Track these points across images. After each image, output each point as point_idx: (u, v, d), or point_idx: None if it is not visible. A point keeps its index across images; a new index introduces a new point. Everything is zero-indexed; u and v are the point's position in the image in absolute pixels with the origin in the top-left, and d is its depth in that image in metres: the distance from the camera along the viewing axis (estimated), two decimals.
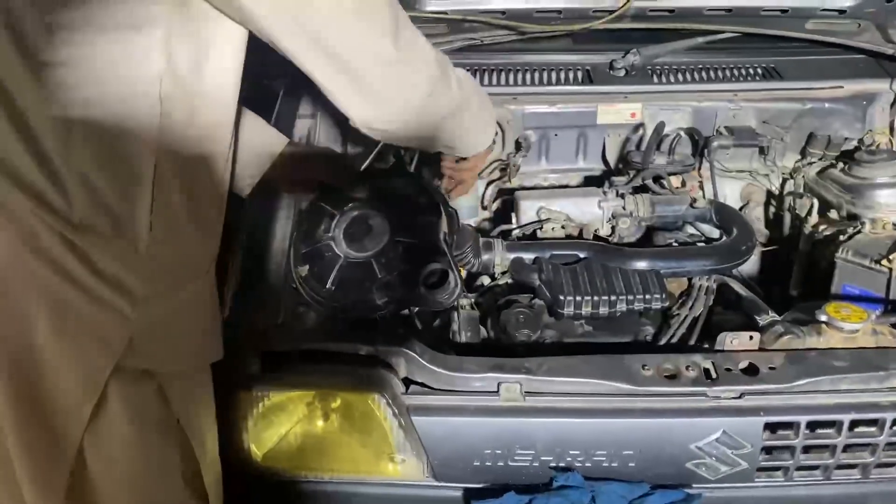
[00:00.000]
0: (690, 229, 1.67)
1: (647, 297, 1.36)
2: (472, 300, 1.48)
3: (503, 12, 1.77)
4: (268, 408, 1.25)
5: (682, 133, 1.73)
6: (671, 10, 1.78)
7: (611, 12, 1.74)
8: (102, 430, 1.06)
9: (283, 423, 1.27)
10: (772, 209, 1.81)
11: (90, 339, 1.03)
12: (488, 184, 1.80)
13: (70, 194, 0.99)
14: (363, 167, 1.55)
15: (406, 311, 1.37)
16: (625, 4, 1.68)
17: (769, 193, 1.81)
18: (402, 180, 1.45)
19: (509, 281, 1.51)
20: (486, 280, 1.57)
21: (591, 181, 1.81)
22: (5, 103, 0.98)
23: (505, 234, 1.59)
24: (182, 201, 1.09)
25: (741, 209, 1.78)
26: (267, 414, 1.25)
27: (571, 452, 1.23)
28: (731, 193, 1.80)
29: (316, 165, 1.48)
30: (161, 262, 1.07)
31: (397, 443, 1.24)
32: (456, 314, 1.43)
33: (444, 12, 1.75)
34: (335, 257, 1.34)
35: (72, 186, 0.99)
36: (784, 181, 1.80)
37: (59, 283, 1.00)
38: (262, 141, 1.40)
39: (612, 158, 1.80)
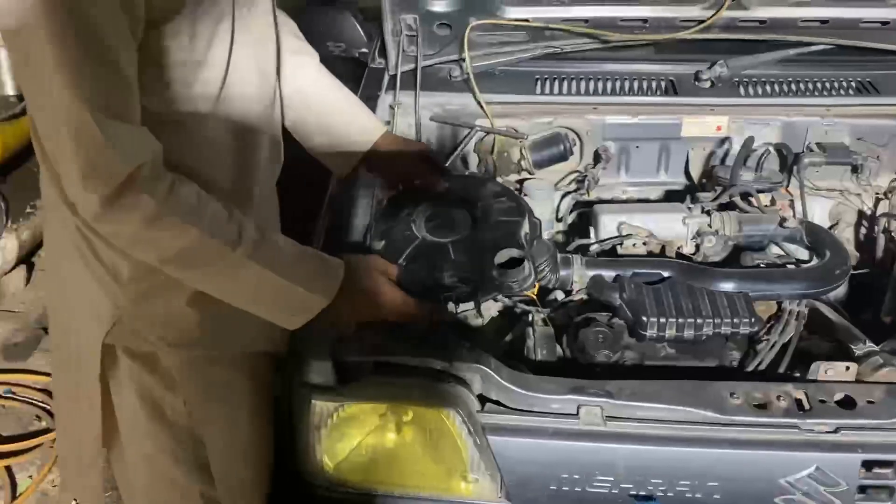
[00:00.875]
0: (775, 249, 1.60)
1: (735, 321, 1.30)
2: (545, 315, 1.45)
3: (586, 20, 1.72)
4: (341, 419, 1.23)
5: (771, 148, 1.66)
6: (763, 21, 1.71)
7: (699, 22, 1.67)
8: (116, 394, 1.23)
9: (355, 434, 1.25)
10: (863, 230, 1.73)
11: (89, 310, 1.21)
12: (564, 195, 1.75)
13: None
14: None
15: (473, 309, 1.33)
16: (715, 14, 1.62)
17: (860, 213, 1.72)
18: (489, 184, 1.42)
19: (584, 297, 1.47)
20: (559, 295, 1.52)
21: (672, 196, 1.75)
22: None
23: (582, 249, 1.54)
24: None
25: (830, 229, 1.70)
26: (340, 425, 1.23)
27: (653, 481, 1.17)
28: (820, 213, 1.72)
29: (409, 161, 1.46)
30: None
31: (471, 461, 1.21)
32: (531, 330, 1.39)
33: (526, 20, 1.71)
34: (412, 237, 1.37)
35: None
36: (878, 201, 1.71)
37: (78, 258, 1.18)
38: (360, 127, 1.44)
39: (695, 173, 1.74)
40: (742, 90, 1.73)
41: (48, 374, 2.64)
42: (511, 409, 1.20)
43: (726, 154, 1.71)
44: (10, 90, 2.79)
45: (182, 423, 1.24)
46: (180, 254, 1.07)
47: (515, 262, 1.31)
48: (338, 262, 1.19)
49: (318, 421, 1.23)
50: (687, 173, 1.76)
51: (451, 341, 1.27)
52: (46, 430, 2.40)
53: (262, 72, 1.20)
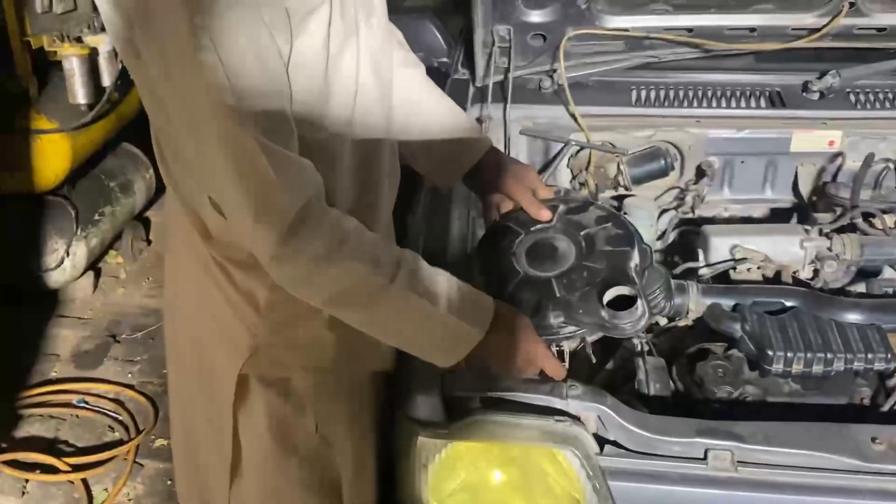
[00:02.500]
0: (888, 273, 1.49)
1: (870, 356, 1.20)
2: (645, 340, 1.37)
3: (690, 29, 1.63)
4: (448, 457, 1.17)
5: (891, 166, 1.55)
6: (882, 29, 1.60)
7: (813, 30, 1.57)
8: (246, 427, 1.20)
9: (461, 474, 1.19)
10: None
11: (224, 340, 1.18)
12: (662, 212, 1.66)
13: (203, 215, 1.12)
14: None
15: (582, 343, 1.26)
16: (831, 21, 1.52)
17: None
18: (594, 210, 1.34)
19: (689, 323, 1.39)
20: (661, 320, 1.44)
21: (779, 214, 1.65)
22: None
23: (689, 273, 1.46)
24: None
25: None
26: (447, 463, 1.17)
27: None
28: None
29: (514, 182, 1.36)
30: None
31: None
32: (641, 361, 1.31)
33: (626, 29, 1.63)
34: (514, 272, 1.27)
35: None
36: None
37: (212, 288, 1.16)
38: (467, 142, 1.35)
39: (804, 190, 1.64)
40: (855, 102, 1.63)
41: (120, 384, 2.64)
42: (631, 451, 1.13)
43: (838, 170, 1.61)
44: (81, 98, 2.78)
45: (313, 451, 1.21)
46: (345, 292, 1.03)
47: (627, 301, 1.20)
48: (486, 296, 1.14)
49: (424, 458, 1.16)
50: (795, 191, 1.66)
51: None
52: (120, 442, 2.40)
53: (382, 83, 1.15)
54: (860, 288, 1.44)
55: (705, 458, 1.10)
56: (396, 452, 1.19)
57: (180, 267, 1.25)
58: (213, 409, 1.21)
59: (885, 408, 1.22)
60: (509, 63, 1.66)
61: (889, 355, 1.21)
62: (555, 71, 1.71)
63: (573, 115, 1.64)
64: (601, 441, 1.14)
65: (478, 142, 1.36)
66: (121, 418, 2.49)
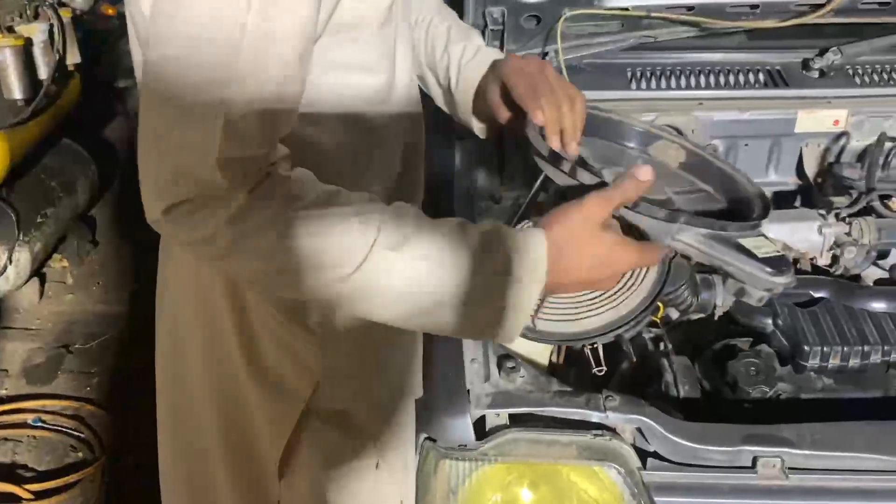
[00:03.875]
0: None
1: None
2: (655, 335, 1.30)
3: (691, 7, 1.55)
4: (479, 480, 1.08)
5: None
6: (885, 3, 1.55)
7: (817, 5, 1.51)
8: (294, 473, 1.06)
9: (492, 497, 1.10)
10: None
11: (276, 384, 1.04)
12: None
13: None
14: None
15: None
16: None
17: None
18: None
19: (702, 315, 1.32)
20: (672, 313, 1.37)
21: (783, 197, 1.60)
22: None
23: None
24: None
25: None
26: (477, 487, 1.08)
27: None
28: None
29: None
30: None
31: None
32: (667, 361, 1.24)
33: (625, 8, 1.54)
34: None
35: None
36: None
37: (253, 328, 1.02)
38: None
39: (809, 172, 1.58)
40: (857, 79, 1.58)
41: (79, 399, 2.48)
42: (676, 463, 1.06)
43: (842, 150, 1.56)
44: (17, 93, 2.57)
45: (370, 489, 1.11)
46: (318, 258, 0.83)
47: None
48: (533, 233, 0.90)
49: (452, 483, 1.07)
50: (800, 172, 1.60)
51: (594, 385, 1.13)
52: (85, 462, 2.24)
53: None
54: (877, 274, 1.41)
55: (754, 466, 1.04)
56: (421, 478, 1.09)
57: (195, 310, 1.08)
58: (246, 467, 1.08)
59: None
60: (502, 46, 1.56)
61: None
62: (546, 54, 1.62)
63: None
64: (642, 454, 1.07)
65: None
66: (83, 436, 2.32)
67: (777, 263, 1.05)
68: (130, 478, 2.17)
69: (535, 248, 0.89)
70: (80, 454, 2.27)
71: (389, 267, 0.84)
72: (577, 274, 0.92)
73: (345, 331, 1.05)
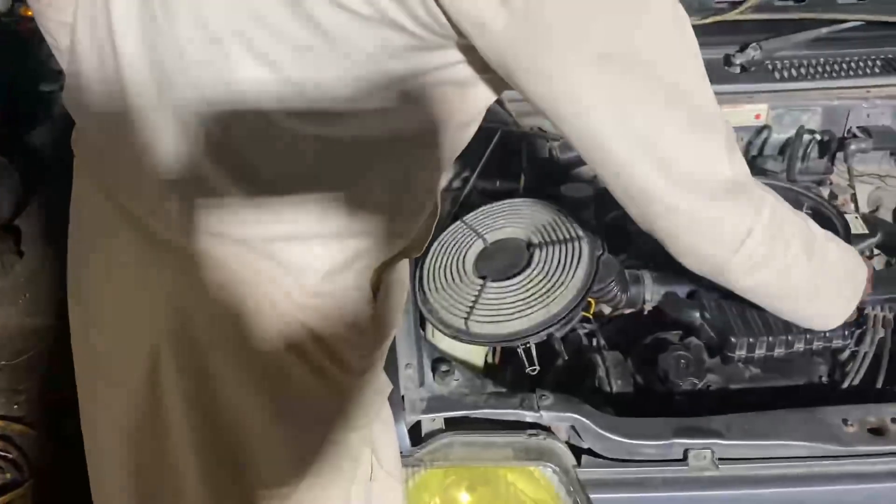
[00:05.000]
0: None
1: (828, 334, 1.19)
2: (589, 331, 1.32)
3: None
4: (416, 486, 1.07)
5: (817, 136, 1.55)
6: (799, 0, 1.60)
7: (736, 3, 1.55)
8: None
9: (430, 502, 1.10)
10: None
11: (297, 407, 0.91)
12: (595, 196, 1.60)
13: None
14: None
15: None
16: None
17: None
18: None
19: (631, 310, 1.34)
20: (605, 308, 1.39)
21: None
22: None
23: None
24: None
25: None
26: (414, 494, 1.08)
27: None
28: (860, 199, 1.63)
29: None
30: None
31: None
32: (599, 356, 1.26)
33: None
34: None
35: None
36: None
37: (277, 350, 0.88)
38: None
39: None
40: (777, 74, 1.62)
41: (6, 418, 2.38)
42: (610, 459, 1.07)
43: (764, 143, 1.61)
44: None
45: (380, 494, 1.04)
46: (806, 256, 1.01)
47: None
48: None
49: None
50: None
51: (530, 385, 1.14)
52: (15, 483, 2.15)
53: None
54: None
55: (685, 458, 1.06)
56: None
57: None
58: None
59: (845, 385, 1.21)
60: None
61: (846, 332, 1.20)
62: None
63: (500, 101, 1.55)
64: (576, 451, 1.08)
65: None
66: (10, 457, 2.23)
67: None
68: (59, 499, 2.09)
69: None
70: (8, 475, 2.18)
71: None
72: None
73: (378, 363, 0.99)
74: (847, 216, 1.42)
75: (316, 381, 0.91)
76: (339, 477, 0.96)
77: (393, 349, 1.15)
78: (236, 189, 0.84)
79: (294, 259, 0.86)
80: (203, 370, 0.89)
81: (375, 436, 1.01)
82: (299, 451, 0.93)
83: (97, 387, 1.01)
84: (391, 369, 1.12)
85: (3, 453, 2.25)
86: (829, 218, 1.33)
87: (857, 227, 1.31)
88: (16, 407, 2.45)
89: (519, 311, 1.17)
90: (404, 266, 1.04)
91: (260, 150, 0.83)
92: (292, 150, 0.83)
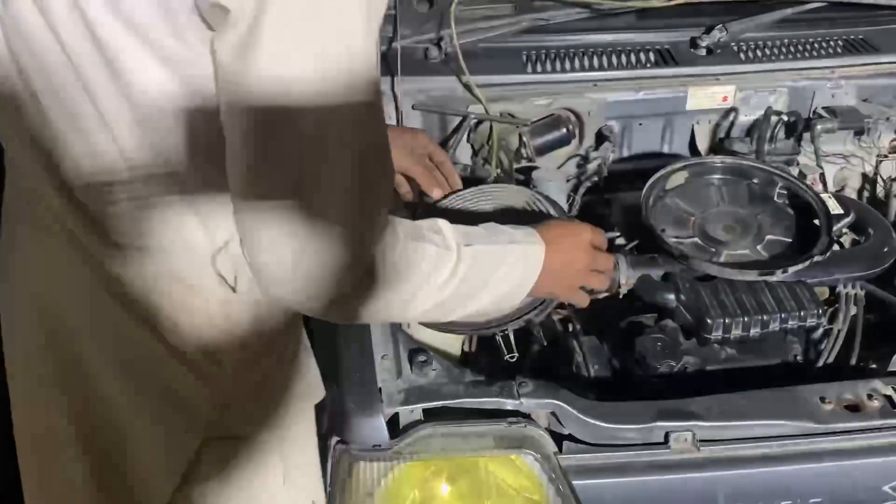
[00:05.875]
0: None
1: (802, 313, 1.19)
2: (563, 316, 1.31)
3: None
4: (396, 479, 1.05)
5: (784, 117, 1.56)
6: None
7: None
8: (194, 496, 0.96)
9: (410, 495, 1.08)
10: (866, 194, 1.67)
11: (175, 404, 0.92)
12: (572, 182, 1.59)
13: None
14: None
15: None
16: None
17: (864, 177, 1.67)
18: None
19: (606, 294, 1.33)
20: None
21: None
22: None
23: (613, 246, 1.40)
24: None
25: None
26: (394, 488, 1.05)
27: None
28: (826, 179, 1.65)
29: (405, 156, 1.27)
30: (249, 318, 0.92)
31: None
32: (576, 342, 1.25)
33: None
34: None
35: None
36: (879, 162, 1.65)
37: (142, 341, 0.89)
38: None
39: (702, 147, 1.63)
40: (743, 56, 1.63)
41: None
42: (591, 444, 1.06)
43: (732, 125, 1.61)
44: None
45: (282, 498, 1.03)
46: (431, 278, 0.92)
47: None
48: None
49: (368, 486, 1.04)
50: (692, 149, 1.64)
51: (507, 373, 1.12)
52: None
53: None
54: None
55: (666, 441, 1.05)
56: (336, 484, 1.05)
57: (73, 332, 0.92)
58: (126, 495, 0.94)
59: (820, 363, 1.22)
60: (395, 32, 1.53)
61: (819, 310, 1.20)
62: (441, 39, 1.59)
63: (468, 86, 1.53)
64: (557, 438, 1.07)
65: None
66: None
67: None
68: None
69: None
70: None
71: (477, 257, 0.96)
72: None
73: (257, 367, 0.97)
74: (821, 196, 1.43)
75: (192, 380, 0.91)
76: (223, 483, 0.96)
77: (368, 340, 1.13)
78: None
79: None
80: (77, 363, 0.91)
81: (285, 447, 1.01)
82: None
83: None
84: (366, 361, 1.10)
85: None
86: (806, 199, 1.33)
87: (832, 206, 1.31)
88: None
89: None
90: None
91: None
92: None
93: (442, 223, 0.96)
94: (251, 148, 0.74)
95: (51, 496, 0.98)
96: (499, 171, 1.50)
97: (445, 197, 1.31)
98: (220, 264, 0.87)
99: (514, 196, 1.31)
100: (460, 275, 0.93)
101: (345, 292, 0.82)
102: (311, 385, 1.05)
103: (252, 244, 0.79)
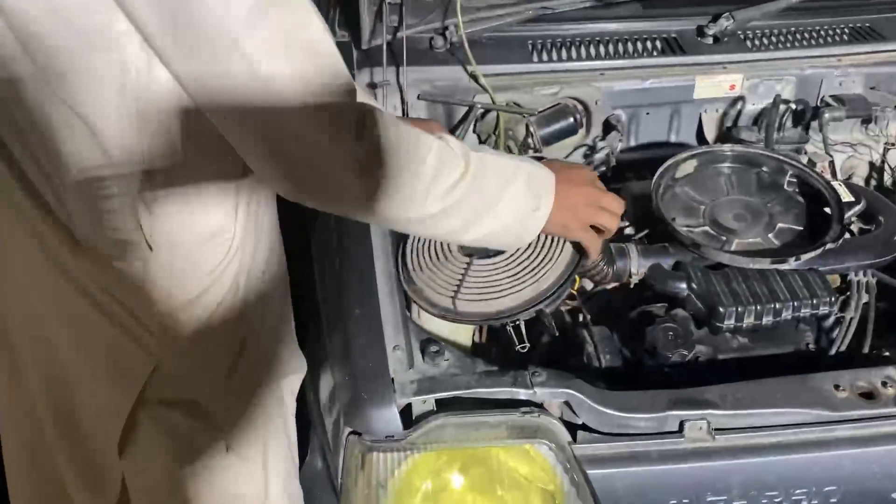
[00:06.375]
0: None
1: (815, 301, 1.19)
2: (572, 307, 1.30)
3: None
4: (409, 470, 1.04)
5: (792, 105, 1.55)
6: None
7: None
8: (139, 459, 1.04)
9: (422, 486, 1.07)
10: (873, 182, 1.66)
11: (111, 368, 1.01)
12: None
13: (70, 210, 0.94)
14: None
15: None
16: None
17: (871, 165, 1.66)
18: None
19: (615, 284, 1.33)
20: (587, 284, 1.37)
21: None
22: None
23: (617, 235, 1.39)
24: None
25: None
26: (407, 478, 1.05)
27: (768, 494, 1.06)
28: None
29: None
30: (171, 285, 0.97)
31: (567, 501, 1.05)
32: (586, 332, 1.24)
33: None
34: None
35: (71, 202, 0.93)
36: (886, 150, 1.65)
37: (75, 297, 0.98)
38: None
39: (709, 136, 1.62)
40: (750, 44, 1.62)
41: None
42: (605, 434, 1.05)
43: (739, 114, 1.60)
44: None
45: (224, 468, 1.06)
46: (440, 180, 0.96)
47: None
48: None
49: (381, 476, 1.03)
50: (700, 137, 1.63)
51: (518, 363, 1.12)
52: None
53: None
54: None
55: (681, 430, 1.05)
56: (348, 475, 1.04)
57: (24, 292, 1.05)
58: (85, 453, 1.05)
59: (832, 351, 1.21)
60: (401, 21, 1.51)
61: (832, 298, 1.20)
62: (446, 28, 1.58)
63: (474, 76, 1.52)
64: (571, 427, 1.06)
65: None
66: None
67: None
68: None
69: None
70: None
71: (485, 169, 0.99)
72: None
73: (189, 329, 1.02)
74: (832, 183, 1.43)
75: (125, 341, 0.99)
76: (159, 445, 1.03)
77: (379, 333, 1.12)
78: None
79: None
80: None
81: (235, 418, 1.08)
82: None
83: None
84: (378, 352, 1.09)
85: None
86: (816, 187, 1.33)
87: (843, 194, 1.31)
88: None
89: (507, 288, 1.15)
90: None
91: None
92: None
93: (446, 135, 1.00)
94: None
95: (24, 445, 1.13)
96: None
97: None
98: (142, 221, 0.92)
99: None
100: (468, 179, 0.97)
101: (348, 180, 0.89)
102: (280, 366, 1.11)
103: (257, 166, 0.89)
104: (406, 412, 1.04)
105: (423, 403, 1.05)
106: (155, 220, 0.94)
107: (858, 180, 1.65)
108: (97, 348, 1.01)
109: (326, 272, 1.25)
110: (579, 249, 1.17)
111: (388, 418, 1.03)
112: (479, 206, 1.00)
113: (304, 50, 0.82)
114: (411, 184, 0.92)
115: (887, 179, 1.63)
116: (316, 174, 0.87)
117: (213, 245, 1.00)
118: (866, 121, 1.62)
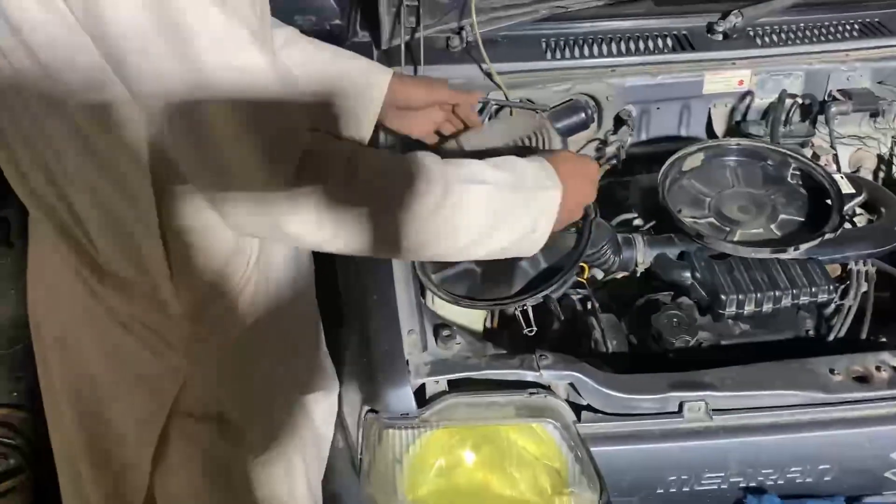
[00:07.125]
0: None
1: (814, 289, 1.24)
2: (582, 296, 1.36)
3: None
4: (423, 446, 1.11)
5: (799, 100, 1.59)
6: None
7: None
8: (168, 473, 1.04)
9: (435, 462, 1.14)
10: (882, 175, 1.70)
11: (141, 384, 1.01)
12: None
13: (92, 235, 0.94)
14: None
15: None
16: None
17: (880, 158, 1.69)
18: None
19: (625, 273, 1.38)
20: (597, 273, 1.43)
21: None
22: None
23: (624, 225, 1.45)
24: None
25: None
26: (421, 454, 1.11)
27: (764, 472, 1.11)
28: (841, 161, 1.68)
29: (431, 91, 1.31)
30: (193, 304, 0.98)
31: (571, 476, 1.11)
32: (594, 319, 1.29)
33: None
34: None
35: (92, 228, 0.93)
36: (894, 144, 1.68)
37: (108, 320, 0.98)
38: (366, 80, 1.25)
39: (719, 131, 1.66)
40: (758, 40, 1.66)
41: (7, 406, 2.39)
42: (608, 414, 1.11)
43: (748, 109, 1.64)
44: None
45: (252, 480, 1.09)
46: (391, 214, 0.91)
47: None
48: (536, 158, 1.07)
49: (397, 452, 1.10)
50: (709, 132, 1.68)
51: (527, 347, 1.18)
52: (19, 469, 2.17)
53: None
54: None
55: (680, 411, 1.10)
56: (366, 450, 1.12)
57: (62, 322, 1.05)
58: (113, 468, 1.05)
59: (831, 337, 1.26)
60: (418, 22, 1.57)
61: (831, 286, 1.24)
62: (462, 28, 1.64)
63: (488, 73, 1.58)
64: (576, 408, 1.12)
65: (378, 74, 1.26)
66: (14, 443, 2.25)
67: None
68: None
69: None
70: (12, 461, 2.20)
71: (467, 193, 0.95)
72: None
73: (214, 346, 1.03)
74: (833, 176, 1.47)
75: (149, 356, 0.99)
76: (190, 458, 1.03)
77: (394, 317, 1.19)
78: None
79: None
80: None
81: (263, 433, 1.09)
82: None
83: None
84: (394, 336, 1.16)
85: (5, 440, 2.27)
86: (818, 180, 1.37)
87: (844, 186, 1.35)
88: (15, 395, 2.46)
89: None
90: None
91: None
92: None
93: (423, 154, 0.96)
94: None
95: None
96: None
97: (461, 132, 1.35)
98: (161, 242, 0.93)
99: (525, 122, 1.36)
100: (450, 204, 0.93)
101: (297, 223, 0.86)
102: (312, 383, 1.13)
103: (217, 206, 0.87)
104: (420, 392, 1.11)
105: (436, 384, 1.11)
106: (173, 240, 0.93)
107: (866, 173, 1.68)
108: (127, 366, 1.01)
109: (346, 263, 1.31)
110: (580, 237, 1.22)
111: (403, 397, 1.09)
112: (470, 236, 0.98)
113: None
114: (382, 214, 0.91)
115: (895, 172, 1.66)
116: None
117: (233, 261, 0.99)
118: (875, 114, 1.66)
